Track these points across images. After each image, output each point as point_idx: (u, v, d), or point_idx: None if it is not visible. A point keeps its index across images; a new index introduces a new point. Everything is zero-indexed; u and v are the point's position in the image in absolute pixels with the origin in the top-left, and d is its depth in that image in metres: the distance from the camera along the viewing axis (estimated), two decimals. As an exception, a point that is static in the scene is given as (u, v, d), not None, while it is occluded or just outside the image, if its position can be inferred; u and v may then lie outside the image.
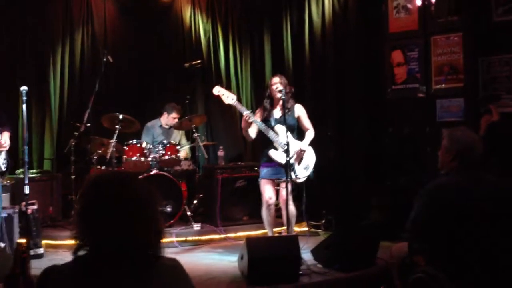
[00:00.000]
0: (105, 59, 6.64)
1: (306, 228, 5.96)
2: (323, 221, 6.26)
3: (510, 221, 2.90)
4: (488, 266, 2.84)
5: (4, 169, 4.80)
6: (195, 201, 6.64)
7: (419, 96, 6.08)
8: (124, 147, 6.20)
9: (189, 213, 6.20)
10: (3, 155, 4.81)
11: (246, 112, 4.79)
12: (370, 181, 6.26)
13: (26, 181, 4.42)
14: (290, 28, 7.47)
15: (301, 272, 4.20)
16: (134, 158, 6.16)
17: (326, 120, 6.96)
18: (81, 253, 1.59)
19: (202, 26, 8.01)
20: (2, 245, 4.72)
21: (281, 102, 4.87)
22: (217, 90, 5.00)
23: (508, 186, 3.05)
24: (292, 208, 4.88)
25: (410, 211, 3.09)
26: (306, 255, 4.55)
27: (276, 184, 5.02)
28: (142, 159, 6.18)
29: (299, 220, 5.87)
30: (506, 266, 2.83)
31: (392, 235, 4.73)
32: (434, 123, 5.82)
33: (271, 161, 4.91)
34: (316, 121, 6.97)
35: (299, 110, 5.03)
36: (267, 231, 5.18)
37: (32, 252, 4.91)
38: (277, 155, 4.85)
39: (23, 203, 4.53)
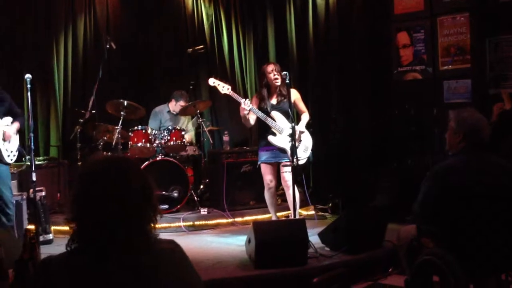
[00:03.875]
0: (108, 46, 6.62)
1: (313, 212, 5.97)
2: (330, 204, 6.28)
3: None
4: (497, 247, 2.84)
5: (9, 161, 4.80)
6: (201, 186, 6.66)
7: (425, 77, 6.03)
8: (130, 133, 6.21)
9: (195, 198, 6.22)
10: (13, 146, 4.79)
11: (243, 101, 4.87)
12: (377, 164, 6.25)
13: (33, 168, 4.43)
14: (294, 11, 7.39)
15: (308, 255, 4.21)
16: (139, 144, 6.17)
17: (331, 103, 6.93)
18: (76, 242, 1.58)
19: (204, 10, 7.96)
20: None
21: (277, 89, 4.98)
22: (212, 81, 5.15)
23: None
24: (296, 191, 4.90)
25: (418, 193, 3.08)
26: (314, 239, 4.55)
27: (276, 168, 5.06)
28: (148, 145, 6.19)
29: (305, 204, 5.90)
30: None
31: (399, 217, 4.75)
32: (441, 104, 5.77)
33: (269, 145, 5.00)
34: (321, 104, 7.00)
35: (294, 95, 5.09)
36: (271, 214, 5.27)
37: (41, 238, 4.98)
38: (276, 140, 4.95)
39: (31, 190, 4.55)
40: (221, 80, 5.21)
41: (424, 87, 6.02)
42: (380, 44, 6.49)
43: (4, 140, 4.67)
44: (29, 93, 4.58)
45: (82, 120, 6.31)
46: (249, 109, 4.87)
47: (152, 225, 1.62)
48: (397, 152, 6.16)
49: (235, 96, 5.03)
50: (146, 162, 5.99)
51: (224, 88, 5.05)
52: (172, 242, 1.69)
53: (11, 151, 4.77)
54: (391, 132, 6.26)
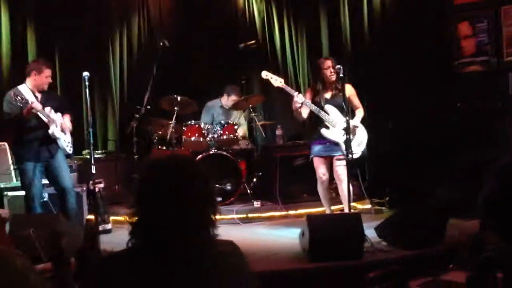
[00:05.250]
0: (161, 43, 6.74)
1: (369, 206, 5.87)
2: (387, 198, 6.14)
3: None
4: None
5: (69, 152, 5.04)
6: (254, 179, 6.68)
7: (488, 69, 5.79)
8: (183, 128, 6.31)
9: (248, 191, 6.25)
10: (68, 137, 5.00)
11: (295, 94, 4.85)
12: (437, 158, 6.06)
13: (93, 162, 4.58)
14: (348, 3, 7.25)
15: (364, 250, 4.13)
16: (193, 139, 6.27)
17: (388, 97, 6.76)
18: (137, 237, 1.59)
19: (256, 6, 7.96)
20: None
21: (332, 83, 4.95)
22: (265, 74, 5.15)
23: None
24: (349, 185, 4.84)
25: (480, 188, 2.96)
26: (370, 233, 4.47)
27: (329, 161, 5.00)
28: (201, 139, 6.28)
29: (361, 198, 5.80)
30: None
31: (462, 212, 4.59)
32: (506, 97, 5.52)
33: (322, 138, 4.96)
34: (377, 98, 6.84)
35: (349, 90, 5.02)
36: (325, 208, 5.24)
37: (100, 228, 5.13)
38: (329, 133, 4.92)
39: (91, 182, 4.71)
40: (274, 73, 5.20)
41: (487, 79, 5.78)
42: (440, 35, 6.28)
43: (62, 132, 4.90)
44: (87, 90, 4.73)
45: (137, 116, 6.47)
46: (301, 102, 4.84)
47: (212, 223, 1.62)
48: (458, 146, 5.95)
49: (288, 89, 5.01)
50: (200, 156, 6.07)
51: (277, 81, 5.05)
52: (231, 244, 1.69)
53: (69, 142, 5.00)
54: (452, 126, 6.05)
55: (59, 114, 4.94)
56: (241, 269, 1.64)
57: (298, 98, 4.82)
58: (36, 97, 4.82)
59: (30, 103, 4.60)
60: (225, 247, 1.66)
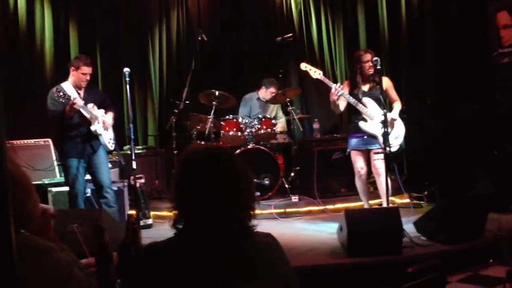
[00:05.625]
0: (199, 38, 6.80)
1: (407, 200, 5.80)
2: (426, 192, 6.05)
3: None
4: None
5: (111, 148, 5.09)
6: (292, 174, 6.69)
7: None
8: (221, 122, 6.37)
9: (286, 186, 6.27)
10: (110, 134, 5.06)
11: (334, 86, 4.83)
12: (477, 150, 5.92)
13: (133, 157, 4.63)
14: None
15: (403, 245, 4.09)
16: (231, 133, 6.32)
17: (427, 89, 6.64)
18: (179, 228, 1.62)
19: (293, -1, 7.94)
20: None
21: (370, 76, 4.90)
22: (304, 66, 5.13)
23: None
24: (388, 179, 4.79)
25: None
26: (409, 227, 4.42)
27: (367, 155, 4.97)
28: (239, 133, 6.32)
29: (399, 192, 5.74)
30: None
31: (501, 206, 4.48)
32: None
33: (360, 132, 4.93)
34: (415, 90, 6.73)
35: (386, 83, 4.97)
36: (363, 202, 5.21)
37: (141, 223, 5.23)
38: (368, 126, 4.88)
39: (132, 178, 4.77)
40: (312, 65, 5.19)
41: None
42: (478, 25, 6.12)
43: (104, 129, 4.96)
44: (128, 86, 4.79)
45: (177, 111, 6.58)
46: (340, 94, 4.81)
47: (250, 215, 1.63)
48: (498, 138, 5.80)
49: (326, 81, 4.99)
50: (238, 151, 6.12)
51: (315, 73, 5.03)
52: (269, 236, 1.69)
53: (110, 139, 5.04)
54: (491, 118, 5.90)
55: (102, 110, 4.99)
56: (279, 261, 1.64)
57: (336, 90, 4.81)
58: (78, 93, 4.86)
59: (72, 99, 4.64)
60: (263, 238, 1.66)
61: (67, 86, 4.83)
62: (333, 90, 4.82)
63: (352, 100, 4.86)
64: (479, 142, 5.96)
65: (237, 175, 1.61)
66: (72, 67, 4.86)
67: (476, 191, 5.46)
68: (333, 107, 4.98)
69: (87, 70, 4.86)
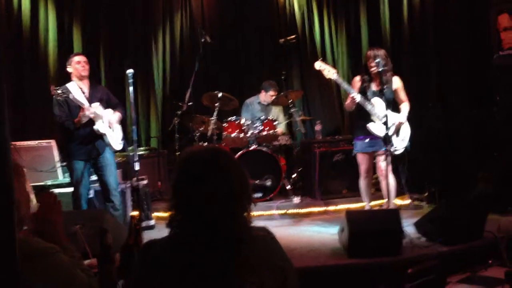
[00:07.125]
0: (203, 40, 6.83)
1: (408, 201, 5.82)
2: (427, 193, 6.07)
3: None
4: None
5: (116, 148, 5.02)
6: (294, 175, 6.72)
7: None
8: (224, 124, 6.39)
9: (288, 187, 6.29)
10: (116, 134, 5.02)
11: (354, 94, 4.79)
12: (477, 152, 5.95)
13: (136, 158, 4.62)
14: (388, -1, 7.18)
15: (403, 246, 4.12)
16: (233, 135, 6.34)
17: (428, 91, 6.67)
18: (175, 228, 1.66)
19: (296, 0, 7.97)
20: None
21: (378, 75, 4.83)
22: (319, 65, 4.98)
23: None
24: (391, 180, 4.82)
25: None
26: (409, 228, 4.45)
27: (373, 157, 4.98)
28: (241, 135, 6.34)
29: (400, 193, 5.76)
30: None
31: (501, 207, 4.50)
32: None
33: (366, 134, 4.90)
34: (416, 92, 6.75)
35: (397, 83, 4.95)
36: (364, 204, 5.22)
37: (144, 224, 5.23)
38: (376, 128, 4.85)
39: (134, 179, 4.79)
40: (327, 64, 5.07)
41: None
42: (479, 28, 6.15)
43: (109, 128, 4.94)
44: (131, 87, 4.75)
45: (179, 112, 6.60)
46: (358, 101, 4.78)
47: (247, 213, 1.67)
48: (498, 140, 5.82)
49: (340, 81, 4.90)
50: (240, 152, 6.15)
51: (329, 72, 4.89)
52: (264, 229, 1.73)
53: (117, 138, 5.02)
54: (491, 119, 5.92)
55: (109, 110, 4.97)
56: (275, 253, 1.68)
57: (357, 96, 4.77)
58: (83, 92, 4.84)
59: (71, 98, 4.61)
60: (259, 232, 1.70)
61: (72, 87, 4.81)
62: (352, 94, 4.79)
63: (361, 100, 4.80)
64: (479, 143, 5.99)
65: (234, 176, 1.65)
66: (67, 66, 4.89)
67: (476, 192, 5.48)
68: (346, 106, 5.00)
69: (80, 58, 4.87)
